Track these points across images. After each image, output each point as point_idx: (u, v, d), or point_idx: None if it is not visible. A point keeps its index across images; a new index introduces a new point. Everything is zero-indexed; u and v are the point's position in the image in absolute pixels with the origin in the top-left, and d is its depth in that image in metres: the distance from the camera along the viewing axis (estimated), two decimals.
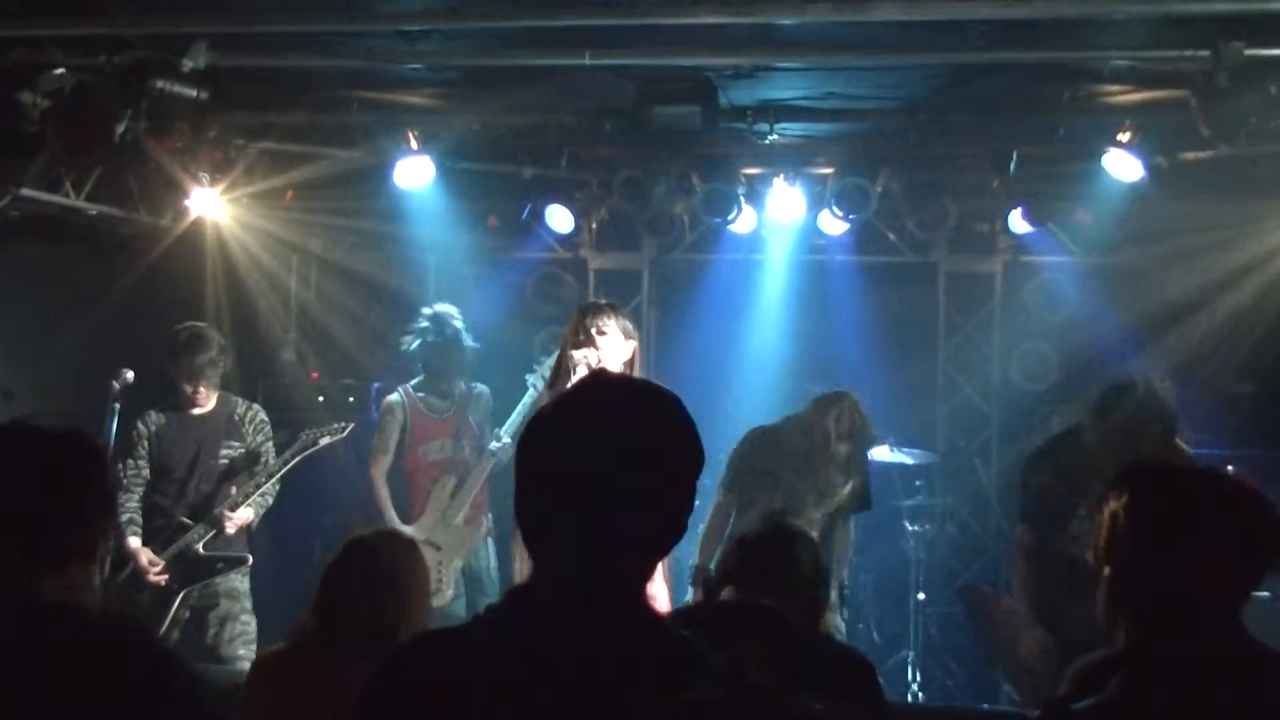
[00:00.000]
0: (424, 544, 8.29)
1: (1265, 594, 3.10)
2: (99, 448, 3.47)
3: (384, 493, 8.97)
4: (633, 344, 6.93)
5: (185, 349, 8.21)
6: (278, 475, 8.28)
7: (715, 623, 3.83)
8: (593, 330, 6.77)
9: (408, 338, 9.17)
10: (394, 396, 9.22)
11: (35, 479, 3.26)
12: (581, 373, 6.61)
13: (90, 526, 3.35)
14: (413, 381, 9.23)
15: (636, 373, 6.95)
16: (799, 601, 4.26)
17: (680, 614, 4.04)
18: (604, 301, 7.19)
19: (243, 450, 8.37)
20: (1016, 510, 7.61)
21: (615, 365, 6.81)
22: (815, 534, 7.64)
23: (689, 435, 2.60)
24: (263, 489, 8.23)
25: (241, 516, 8.18)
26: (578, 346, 6.77)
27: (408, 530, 8.37)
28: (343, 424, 8.57)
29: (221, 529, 8.12)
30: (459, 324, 9.13)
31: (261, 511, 8.35)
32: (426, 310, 9.17)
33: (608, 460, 2.48)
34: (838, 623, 7.59)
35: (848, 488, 8.13)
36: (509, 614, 2.54)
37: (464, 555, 8.94)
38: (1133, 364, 7.73)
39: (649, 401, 2.62)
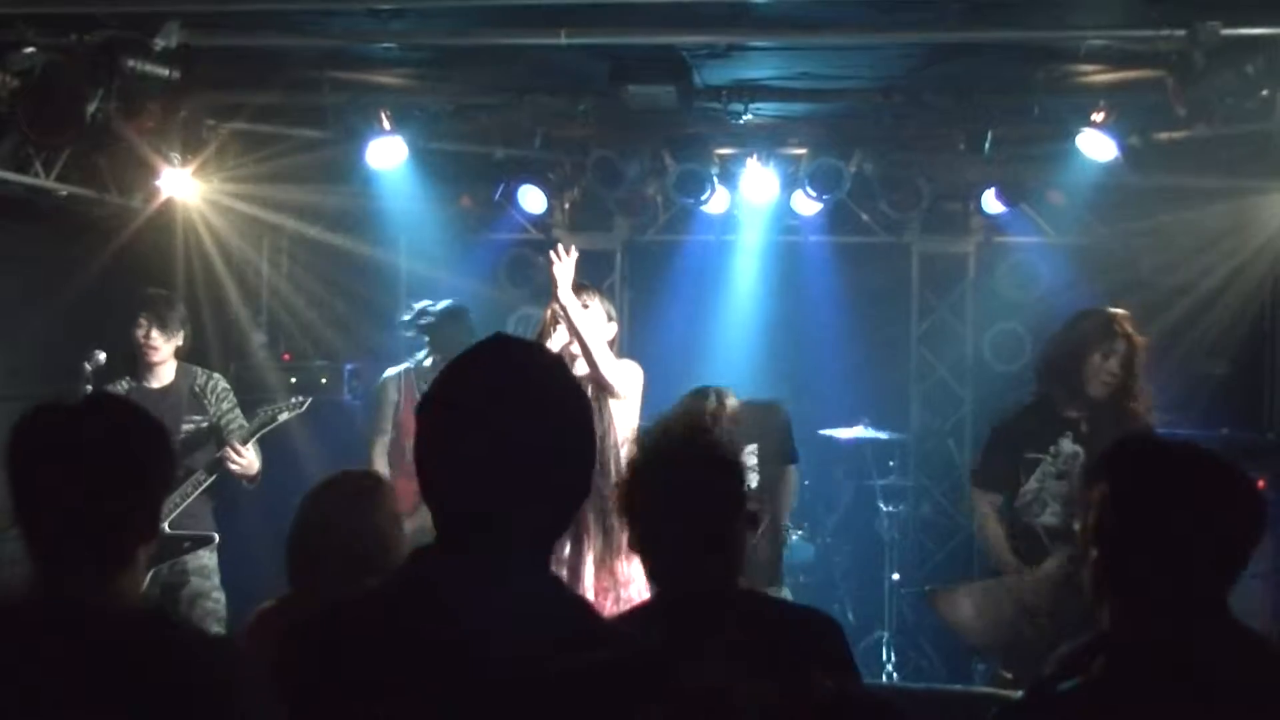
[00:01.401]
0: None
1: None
2: (168, 438, 3.37)
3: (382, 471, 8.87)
4: (614, 327, 6.91)
5: (153, 303, 8.14)
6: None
7: (683, 601, 3.82)
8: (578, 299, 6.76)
9: (413, 318, 9.19)
10: (390, 373, 9.17)
11: (121, 472, 3.14)
12: (559, 336, 6.69)
13: (155, 521, 3.28)
14: (415, 360, 9.21)
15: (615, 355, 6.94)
16: None
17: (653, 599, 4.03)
18: (585, 282, 7.17)
19: (206, 424, 8.28)
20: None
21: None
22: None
23: (586, 405, 2.66)
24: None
25: (248, 457, 8.05)
26: (558, 324, 6.77)
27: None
28: (300, 398, 8.42)
29: (223, 467, 7.98)
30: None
31: (256, 470, 8.22)
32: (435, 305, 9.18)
33: (518, 429, 2.51)
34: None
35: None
36: (414, 581, 2.57)
37: None
38: None
39: (552, 380, 2.63)
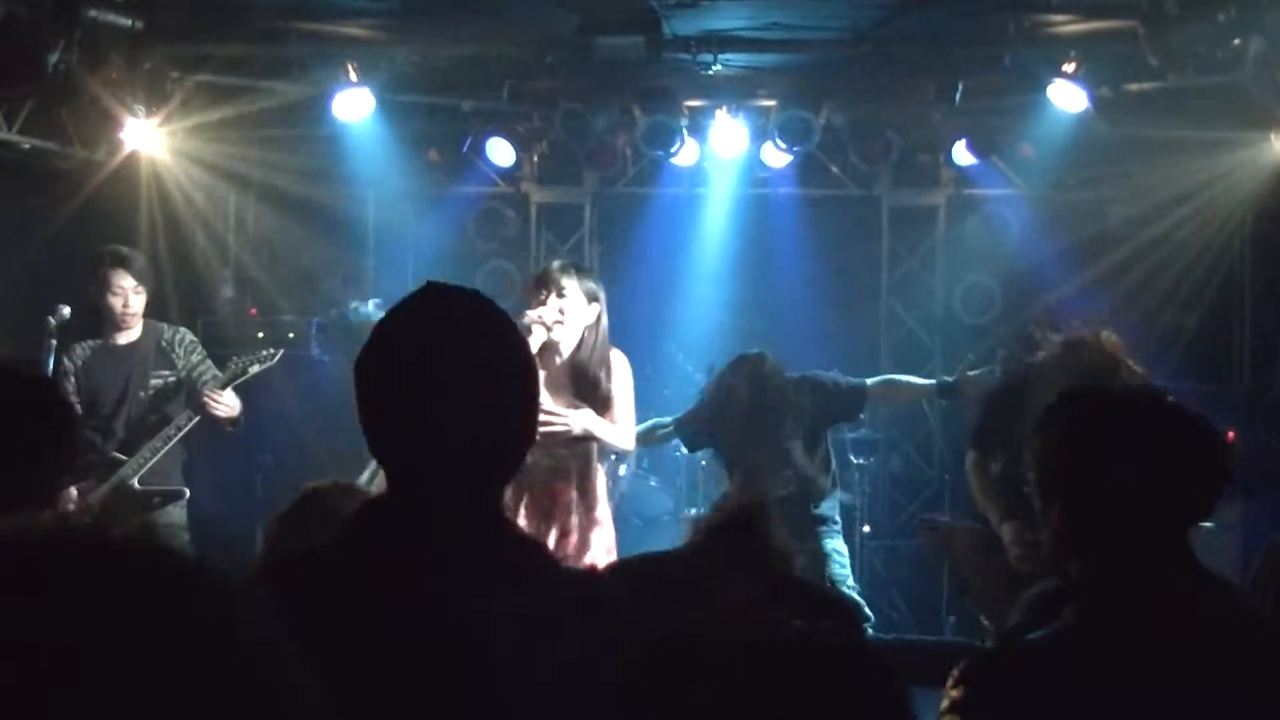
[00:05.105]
0: None
1: (1210, 524, 3.06)
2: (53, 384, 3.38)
3: None
4: (596, 308, 6.68)
5: (114, 260, 8.02)
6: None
7: (702, 561, 3.82)
8: (552, 290, 6.57)
9: None
10: None
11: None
12: (537, 334, 6.37)
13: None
14: None
15: (600, 338, 6.72)
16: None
17: (669, 553, 4.03)
18: (567, 262, 6.98)
19: (174, 378, 8.15)
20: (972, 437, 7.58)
21: (576, 327, 6.59)
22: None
23: (521, 346, 2.70)
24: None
25: (229, 401, 7.82)
26: (534, 306, 6.59)
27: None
28: (271, 351, 8.20)
29: (206, 412, 7.80)
30: None
31: (239, 411, 7.98)
32: None
33: (455, 377, 2.51)
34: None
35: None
36: (366, 530, 2.58)
37: None
38: (1072, 305, 7.63)
39: (484, 317, 2.62)
